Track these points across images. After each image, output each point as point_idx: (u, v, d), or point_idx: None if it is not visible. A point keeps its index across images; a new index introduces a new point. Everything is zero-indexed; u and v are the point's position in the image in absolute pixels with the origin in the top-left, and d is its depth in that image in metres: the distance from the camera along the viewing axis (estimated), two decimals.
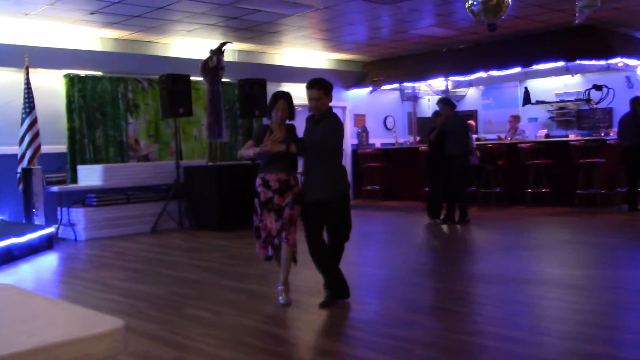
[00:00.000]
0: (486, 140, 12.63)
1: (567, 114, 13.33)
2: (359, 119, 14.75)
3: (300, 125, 5.12)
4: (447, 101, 9.58)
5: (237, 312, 4.78)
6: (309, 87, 4.92)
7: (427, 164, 9.77)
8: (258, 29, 10.60)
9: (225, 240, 8.70)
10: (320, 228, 4.96)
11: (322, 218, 4.92)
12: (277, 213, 4.87)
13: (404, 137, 15.10)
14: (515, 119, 12.68)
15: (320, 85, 4.91)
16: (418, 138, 14.23)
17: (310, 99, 4.91)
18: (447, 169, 9.19)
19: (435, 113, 9.63)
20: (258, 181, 4.95)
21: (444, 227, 9.06)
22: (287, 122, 5.04)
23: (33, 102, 9.21)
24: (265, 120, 5.26)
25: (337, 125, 4.94)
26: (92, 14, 9.02)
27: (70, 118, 10.07)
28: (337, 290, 4.93)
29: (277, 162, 4.87)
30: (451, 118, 9.28)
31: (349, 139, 14.50)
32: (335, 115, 5.03)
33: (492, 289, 5.32)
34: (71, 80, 10.09)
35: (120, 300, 5.29)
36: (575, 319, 4.32)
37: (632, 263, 6.17)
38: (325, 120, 4.93)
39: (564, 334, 3.95)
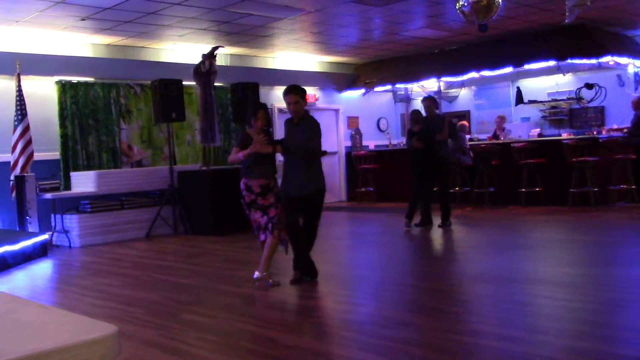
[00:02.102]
0: (479, 140, 12.68)
1: (559, 113, 13.39)
2: (352, 121, 14.77)
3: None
4: (433, 99, 9.35)
5: (233, 316, 4.77)
6: (286, 93, 5.59)
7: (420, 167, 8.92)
8: (250, 32, 10.61)
9: (220, 245, 8.68)
10: (298, 218, 5.69)
11: (300, 210, 5.66)
12: (262, 210, 5.55)
13: (397, 139, 15.12)
14: (502, 119, 12.78)
15: (296, 90, 5.59)
16: None
17: (288, 103, 5.60)
18: (435, 172, 8.85)
19: (413, 112, 9.11)
20: (242, 185, 5.61)
21: (434, 229, 8.91)
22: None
23: (25, 109, 9.19)
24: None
25: (315, 128, 5.60)
26: (83, 20, 9.01)
27: (62, 125, 10.04)
28: (306, 271, 5.71)
29: (258, 168, 5.54)
30: (435, 117, 9.05)
31: (343, 142, 14.52)
32: (312, 118, 5.71)
33: (487, 288, 5.33)
34: (63, 87, 10.07)
35: (116, 307, 5.28)
36: (570, 317, 4.33)
37: (625, 261, 6.19)
38: (304, 123, 5.61)
39: (559, 332, 3.96)
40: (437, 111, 9.25)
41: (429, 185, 8.96)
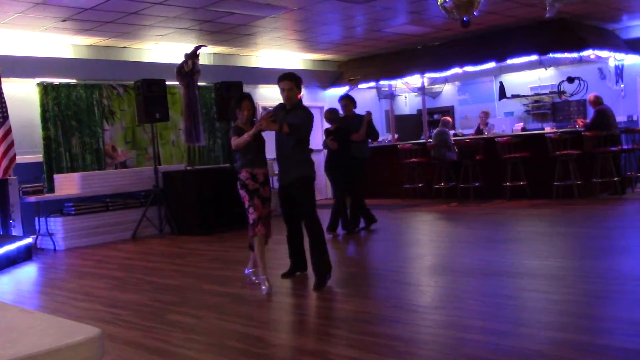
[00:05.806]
0: (463, 135, 12.74)
1: (542, 106, 13.50)
2: None
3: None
4: (350, 98, 8.88)
5: (219, 316, 4.76)
6: (281, 80, 5.56)
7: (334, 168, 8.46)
8: (232, 31, 10.57)
9: (206, 245, 8.66)
10: (288, 207, 5.69)
11: (288, 197, 5.64)
12: (263, 201, 5.47)
13: (382, 135, 15.11)
14: (486, 114, 12.86)
15: (291, 77, 5.57)
16: (396, 136, 14.27)
17: (282, 89, 5.56)
18: (350, 173, 8.39)
19: (328, 112, 8.48)
20: (245, 175, 5.43)
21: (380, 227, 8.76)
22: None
23: (7, 111, 9.09)
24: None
25: (308, 115, 5.55)
26: (64, 21, 8.93)
27: (45, 127, 9.96)
28: (297, 265, 5.84)
29: (258, 158, 5.47)
30: (353, 117, 8.66)
31: None
32: (305, 106, 5.66)
33: (473, 282, 5.36)
34: (45, 89, 9.98)
35: (102, 309, 5.25)
36: (555, 309, 4.37)
37: (608, 252, 6.24)
38: (296, 111, 5.54)
39: (544, 325, 3.99)
40: (354, 110, 8.77)
41: (346, 187, 8.47)
